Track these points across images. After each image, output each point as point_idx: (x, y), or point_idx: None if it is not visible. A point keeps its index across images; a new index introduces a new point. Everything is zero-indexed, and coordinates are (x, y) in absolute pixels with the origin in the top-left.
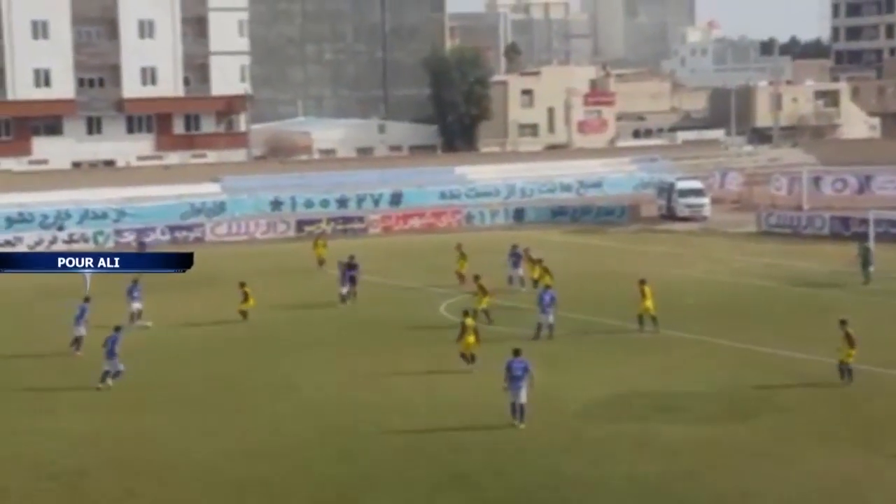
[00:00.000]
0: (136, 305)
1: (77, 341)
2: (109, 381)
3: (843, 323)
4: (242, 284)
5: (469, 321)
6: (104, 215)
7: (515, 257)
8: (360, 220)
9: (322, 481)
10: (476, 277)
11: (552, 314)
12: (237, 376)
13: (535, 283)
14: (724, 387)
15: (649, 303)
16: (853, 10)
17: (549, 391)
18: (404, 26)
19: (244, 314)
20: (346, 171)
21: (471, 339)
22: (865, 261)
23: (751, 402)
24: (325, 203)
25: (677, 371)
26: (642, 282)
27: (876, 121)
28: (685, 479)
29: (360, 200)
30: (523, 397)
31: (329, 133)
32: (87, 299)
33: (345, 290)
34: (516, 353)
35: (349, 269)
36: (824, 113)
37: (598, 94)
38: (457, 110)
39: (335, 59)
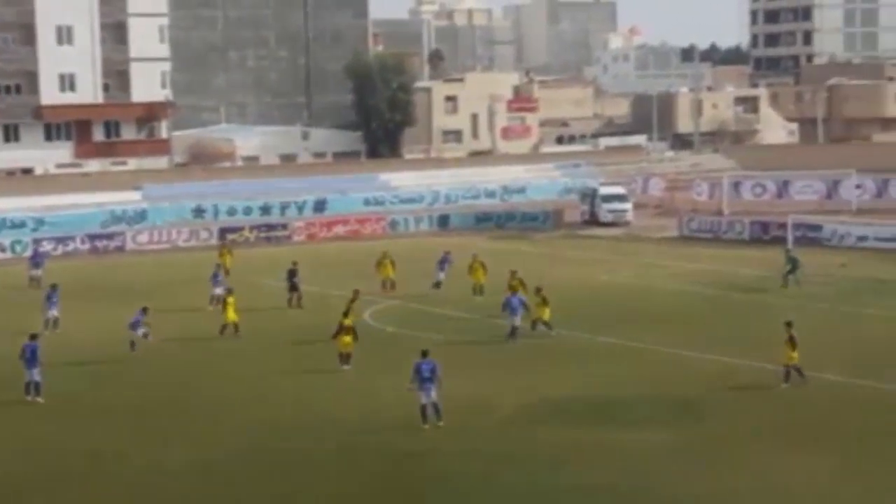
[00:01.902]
0: (53, 313)
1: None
2: (38, 398)
3: (788, 325)
4: (230, 291)
5: (347, 321)
6: (22, 224)
7: (444, 263)
8: (284, 227)
9: (256, 496)
10: (538, 290)
11: (519, 317)
12: (163, 388)
13: (479, 289)
14: (658, 392)
15: (545, 310)
16: (771, 17)
17: (480, 398)
18: (327, 32)
19: (235, 326)
20: (269, 179)
21: (347, 338)
22: (793, 267)
23: (684, 406)
24: (248, 210)
25: (605, 376)
26: (538, 290)
27: (794, 126)
28: (619, 484)
29: (284, 208)
30: (434, 397)
31: (252, 140)
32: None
33: (218, 291)
34: (424, 354)
35: (291, 276)
36: (744, 119)
37: (521, 101)
38: (381, 117)
39: (258, 66)
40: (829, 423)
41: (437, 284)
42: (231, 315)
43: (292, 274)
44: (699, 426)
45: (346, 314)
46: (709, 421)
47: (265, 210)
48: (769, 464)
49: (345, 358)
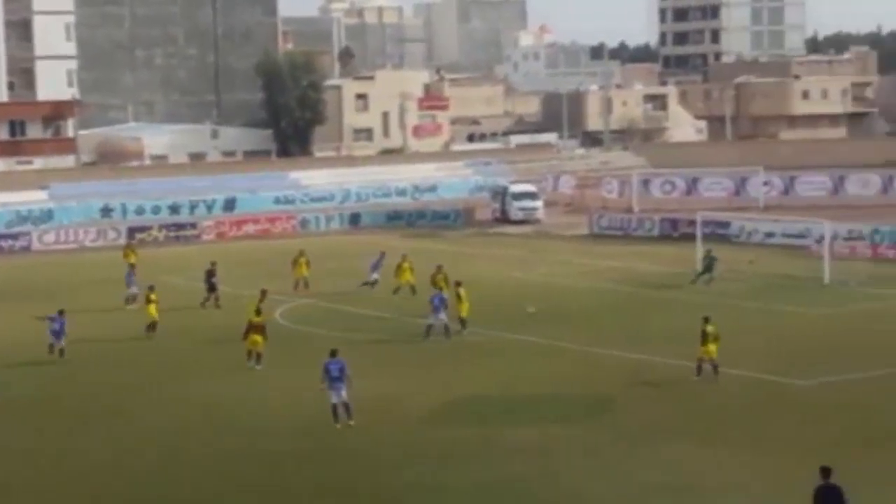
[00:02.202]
0: None
1: None
2: None
3: (705, 320)
4: (152, 288)
5: (257, 320)
6: None
7: (379, 263)
8: (194, 226)
9: (158, 496)
10: (458, 284)
11: (444, 314)
12: (74, 387)
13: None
14: (569, 389)
15: (465, 305)
16: (680, 16)
17: (393, 396)
18: (236, 30)
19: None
20: (178, 177)
21: (257, 337)
22: (708, 267)
23: (591, 402)
24: (156, 210)
25: (519, 374)
26: (458, 284)
27: (703, 124)
28: (528, 482)
29: (193, 207)
30: (344, 396)
31: (160, 138)
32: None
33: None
34: (333, 353)
35: (209, 276)
36: (653, 116)
37: (432, 99)
38: (291, 115)
39: (166, 64)
40: (739, 418)
41: (372, 284)
42: (153, 312)
43: (210, 274)
44: (610, 422)
45: (258, 312)
46: (619, 417)
47: (174, 209)
48: (679, 459)
49: (255, 357)
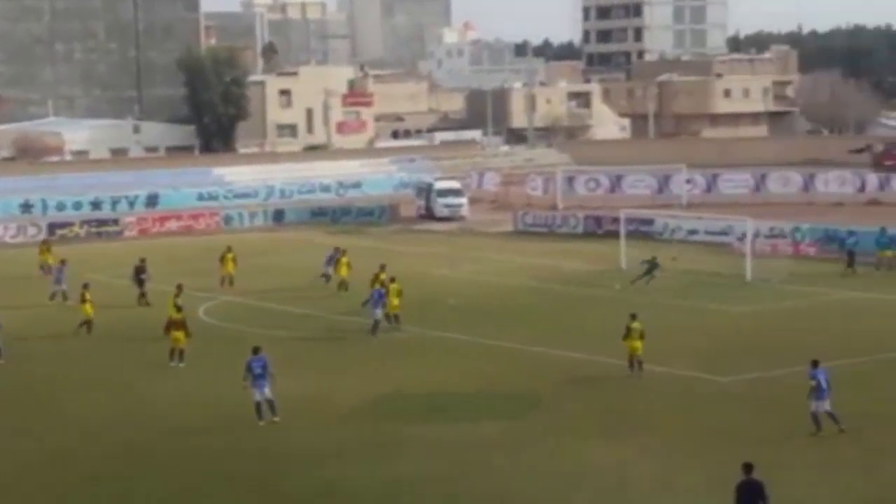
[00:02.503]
0: None
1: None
2: None
3: (632, 317)
4: (86, 286)
5: (177, 316)
6: None
7: (333, 258)
8: (115, 222)
9: (81, 495)
10: (392, 279)
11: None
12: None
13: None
14: (493, 386)
15: (396, 300)
16: (603, 14)
17: (316, 394)
18: (158, 25)
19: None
20: (99, 173)
21: (178, 334)
22: (649, 270)
23: (516, 400)
24: (77, 205)
25: (442, 371)
26: (392, 280)
27: (626, 122)
28: (449, 479)
29: (115, 202)
30: (268, 393)
31: (81, 134)
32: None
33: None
34: (255, 351)
35: (139, 273)
36: (577, 114)
37: (356, 95)
38: (214, 111)
39: (86, 59)
40: (663, 416)
41: (326, 277)
42: (88, 310)
43: (139, 270)
44: (533, 420)
45: (177, 309)
46: (544, 414)
47: (96, 205)
48: (603, 456)
49: (178, 354)
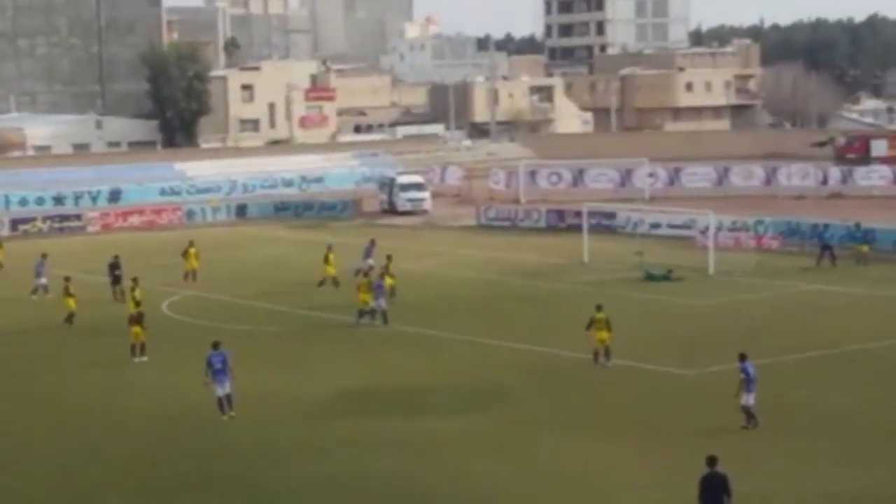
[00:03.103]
0: None
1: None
2: None
3: (598, 308)
4: (67, 279)
5: (135, 309)
6: None
7: (370, 250)
8: (78, 217)
9: (41, 490)
10: (365, 274)
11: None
12: None
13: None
14: (456, 380)
15: (365, 296)
16: (565, 8)
17: (282, 389)
18: (120, 20)
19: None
20: (62, 168)
21: (136, 328)
22: (655, 276)
23: (480, 393)
24: (40, 201)
25: (405, 365)
26: (365, 274)
27: (588, 115)
28: (413, 474)
29: (78, 198)
30: (228, 388)
31: (43, 129)
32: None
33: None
34: (215, 346)
35: (113, 269)
36: (539, 108)
37: (318, 90)
38: (176, 106)
39: (49, 54)
40: (626, 408)
41: (366, 271)
42: (72, 304)
43: (114, 267)
44: (498, 413)
45: (136, 304)
46: (508, 408)
47: (58, 200)
48: (566, 449)
49: (139, 349)
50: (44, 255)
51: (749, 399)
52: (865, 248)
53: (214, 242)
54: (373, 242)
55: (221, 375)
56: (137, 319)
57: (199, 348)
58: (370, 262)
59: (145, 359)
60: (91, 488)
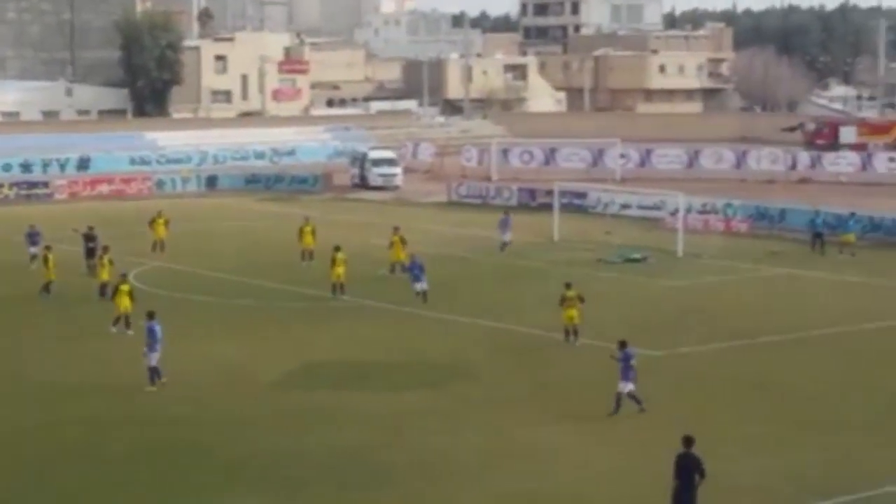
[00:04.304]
0: None
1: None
2: None
3: (567, 286)
4: (48, 248)
5: (125, 286)
6: None
7: (506, 223)
8: (45, 185)
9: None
10: (338, 248)
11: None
12: None
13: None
14: (418, 355)
15: (340, 269)
16: None
17: (244, 363)
18: None
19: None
20: (30, 135)
21: (125, 301)
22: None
23: (443, 369)
24: (7, 167)
25: (371, 340)
26: (337, 248)
27: (562, 95)
28: (379, 447)
29: (46, 165)
30: (155, 360)
31: (12, 95)
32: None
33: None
34: (150, 315)
35: (88, 241)
36: (513, 86)
37: (292, 63)
38: (148, 75)
39: (19, 19)
40: (593, 388)
41: (503, 246)
42: (51, 273)
43: (88, 238)
44: (464, 390)
45: (124, 276)
46: (475, 385)
47: (26, 167)
48: (532, 427)
49: (123, 321)
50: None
51: (625, 386)
52: (852, 237)
53: (184, 213)
54: (508, 214)
55: (157, 345)
56: (114, 291)
57: (166, 319)
58: (507, 236)
59: (130, 332)
60: (43, 462)
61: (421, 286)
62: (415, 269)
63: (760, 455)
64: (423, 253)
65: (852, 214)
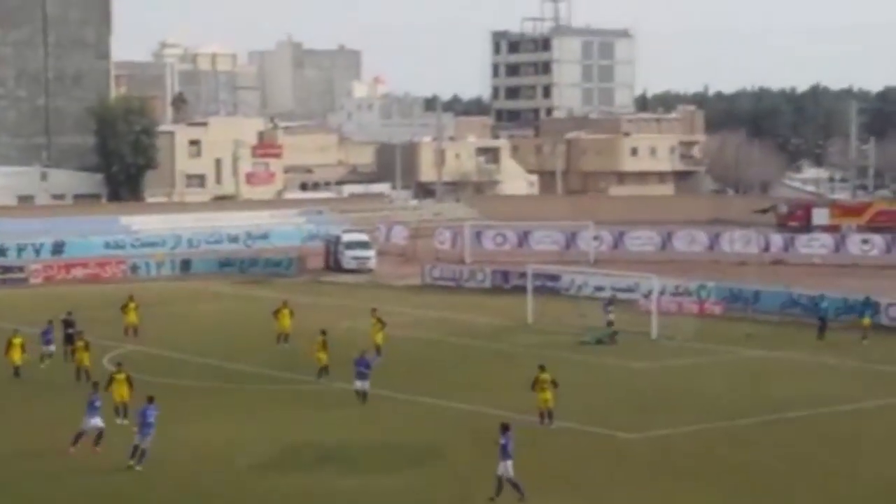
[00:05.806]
0: None
1: None
2: None
3: (541, 368)
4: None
5: (119, 375)
6: None
7: (610, 304)
8: (21, 269)
9: None
10: (324, 332)
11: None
12: None
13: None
14: (394, 438)
15: (322, 354)
16: (512, 71)
17: (220, 444)
18: (68, 73)
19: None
20: (5, 219)
21: (121, 390)
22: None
23: (418, 452)
24: None
25: (347, 423)
26: (323, 332)
27: (534, 178)
28: None
29: (21, 250)
30: (148, 443)
31: None
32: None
33: (52, 348)
34: (150, 400)
35: (67, 327)
36: (486, 169)
37: (265, 147)
38: (123, 160)
39: None
40: (565, 470)
41: (609, 324)
42: (16, 357)
43: (67, 324)
44: (434, 473)
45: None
46: (444, 467)
47: (1, 252)
48: None
49: (122, 410)
50: (50, 322)
51: (504, 468)
52: (868, 321)
53: (158, 297)
54: (613, 297)
55: (150, 429)
56: (109, 380)
57: (138, 402)
58: (611, 316)
59: (126, 422)
60: None
61: (362, 385)
62: (360, 366)
63: None
64: (397, 335)
65: (867, 298)
